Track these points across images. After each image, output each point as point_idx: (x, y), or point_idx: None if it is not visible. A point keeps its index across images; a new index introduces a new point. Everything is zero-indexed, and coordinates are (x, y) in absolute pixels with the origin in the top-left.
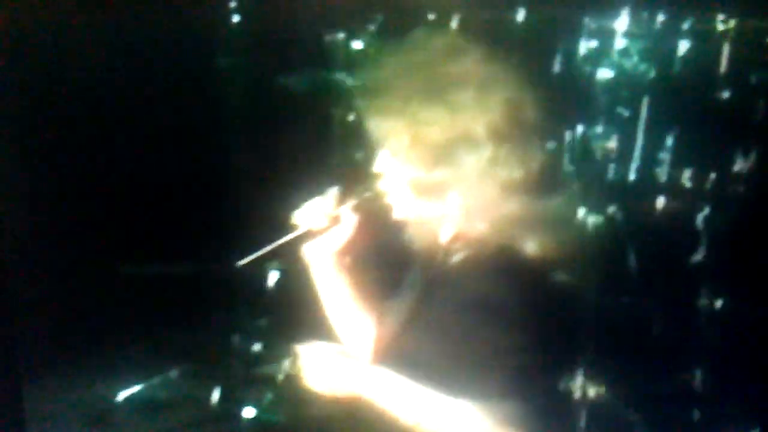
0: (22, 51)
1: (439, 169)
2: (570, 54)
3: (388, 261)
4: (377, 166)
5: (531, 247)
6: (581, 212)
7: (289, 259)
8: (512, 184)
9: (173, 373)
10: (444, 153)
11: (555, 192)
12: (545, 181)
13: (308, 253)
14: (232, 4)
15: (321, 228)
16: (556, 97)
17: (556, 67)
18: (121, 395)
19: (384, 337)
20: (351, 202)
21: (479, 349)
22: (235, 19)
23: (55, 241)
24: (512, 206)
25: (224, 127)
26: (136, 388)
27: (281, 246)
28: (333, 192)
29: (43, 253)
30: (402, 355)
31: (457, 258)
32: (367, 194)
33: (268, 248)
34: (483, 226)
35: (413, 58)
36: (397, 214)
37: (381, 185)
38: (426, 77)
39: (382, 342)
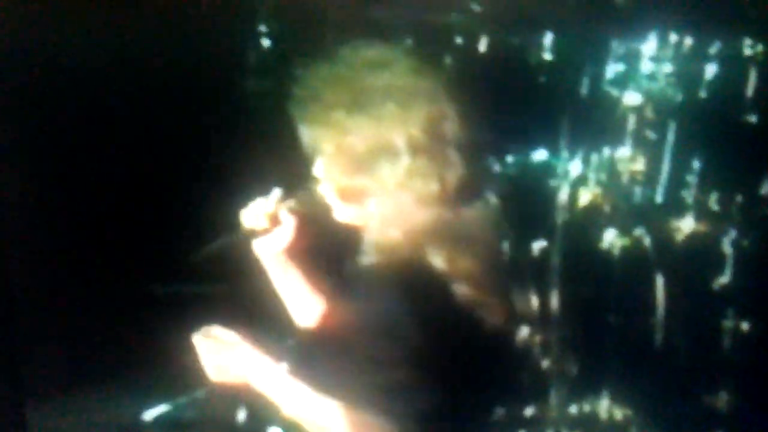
0: (63, 73)
1: (360, 177)
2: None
3: (317, 259)
4: (312, 171)
5: (440, 261)
6: (610, 234)
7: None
8: (429, 197)
9: (200, 393)
10: (365, 162)
11: (471, 207)
12: (462, 196)
13: (254, 250)
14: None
15: (262, 227)
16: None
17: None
18: (148, 415)
19: (311, 332)
20: (286, 204)
21: (365, 356)
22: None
23: (80, 260)
24: (427, 218)
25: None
26: (163, 408)
27: (231, 243)
28: (274, 193)
29: (68, 273)
30: (318, 352)
31: (368, 263)
32: (300, 195)
33: (217, 243)
34: (397, 234)
35: (339, 71)
36: (325, 217)
37: (315, 189)
38: (350, 89)
39: (309, 336)
